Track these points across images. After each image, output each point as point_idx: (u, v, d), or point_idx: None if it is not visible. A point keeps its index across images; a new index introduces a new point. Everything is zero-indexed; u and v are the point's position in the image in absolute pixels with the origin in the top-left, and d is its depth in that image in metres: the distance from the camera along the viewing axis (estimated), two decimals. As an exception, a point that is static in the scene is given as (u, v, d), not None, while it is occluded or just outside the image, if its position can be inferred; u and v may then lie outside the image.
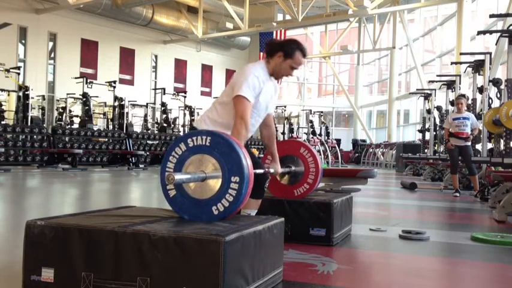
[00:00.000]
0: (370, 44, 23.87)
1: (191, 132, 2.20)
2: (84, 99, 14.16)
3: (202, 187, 2.09)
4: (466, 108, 7.48)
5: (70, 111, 16.34)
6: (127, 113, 14.91)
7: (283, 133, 18.68)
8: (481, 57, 8.50)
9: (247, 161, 2.06)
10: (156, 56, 22.35)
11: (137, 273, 1.77)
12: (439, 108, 11.97)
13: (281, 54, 2.61)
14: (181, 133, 16.80)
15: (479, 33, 7.87)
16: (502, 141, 6.94)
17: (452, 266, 2.91)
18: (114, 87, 14.72)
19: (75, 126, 14.94)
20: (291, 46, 2.63)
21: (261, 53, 21.37)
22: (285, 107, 20.50)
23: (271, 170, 2.83)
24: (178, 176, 1.95)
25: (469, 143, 7.18)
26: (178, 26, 21.48)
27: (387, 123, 23.69)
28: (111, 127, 15.07)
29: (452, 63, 13.12)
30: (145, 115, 17.49)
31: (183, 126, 17.14)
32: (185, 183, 2.08)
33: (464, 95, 7.81)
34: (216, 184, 2.06)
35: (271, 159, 2.93)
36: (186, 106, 16.88)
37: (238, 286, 1.79)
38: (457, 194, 7.08)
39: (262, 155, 3.35)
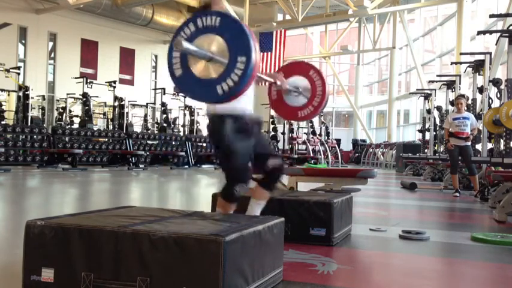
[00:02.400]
0: (370, 44, 23.87)
1: (200, 12, 2.19)
2: (84, 99, 14.17)
3: (208, 67, 2.08)
4: (465, 108, 7.48)
5: (70, 111, 16.35)
6: (127, 113, 14.92)
7: (283, 133, 18.67)
8: (481, 57, 8.50)
9: (255, 44, 2.05)
10: (156, 56, 22.35)
11: (137, 273, 1.77)
12: (439, 108, 11.98)
13: None
14: (181, 133, 16.81)
15: (479, 33, 7.88)
16: (502, 141, 6.95)
17: (452, 266, 2.90)
18: (114, 87, 14.72)
19: (75, 126, 14.95)
20: None
21: (261, 53, 21.35)
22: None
23: (278, 83, 2.83)
24: (186, 44, 1.95)
25: (469, 143, 7.18)
26: (178, 25, 21.45)
27: (387, 123, 23.69)
28: (111, 127, 15.08)
29: (452, 63, 13.12)
30: (145, 115, 17.49)
31: (183, 126, 17.14)
32: (191, 54, 2.07)
33: (464, 95, 7.81)
34: (222, 64, 2.05)
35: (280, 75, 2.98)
36: (186, 106, 16.88)
37: (238, 286, 1.79)
38: (457, 194, 7.08)
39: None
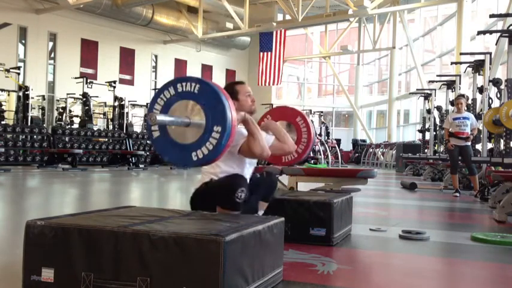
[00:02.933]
0: (370, 44, 23.86)
1: (181, 77, 2.25)
2: (84, 99, 14.16)
3: (185, 132, 2.13)
4: (465, 108, 7.48)
5: (70, 111, 16.34)
6: (127, 113, 14.91)
7: (283, 133, 18.71)
8: (481, 57, 8.50)
9: (231, 113, 2.09)
10: (156, 56, 22.34)
11: (137, 273, 1.77)
12: (439, 108, 11.97)
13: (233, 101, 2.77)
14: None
15: (479, 33, 7.88)
16: (502, 141, 6.95)
17: (452, 266, 2.91)
18: (114, 87, 14.71)
19: (75, 126, 14.94)
20: (230, 89, 2.72)
21: (261, 53, 21.37)
22: (285, 107, 20.45)
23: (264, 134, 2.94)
24: (160, 117, 2.02)
25: (469, 143, 7.18)
26: (178, 26, 21.47)
27: (387, 123, 23.68)
28: (111, 127, 15.07)
29: (452, 63, 13.12)
30: (146, 115, 17.47)
31: (183, 126, 17.10)
32: (168, 125, 2.14)
33: (464, 95, 7.81)
34: (198, 131, 2.10)
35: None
36: (186, 106, 16.85)
37: (238, 286, 1.79)
38: (457, 194, 7.08)
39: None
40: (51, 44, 18.79)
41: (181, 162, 2.18)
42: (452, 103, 10.25)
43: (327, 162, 16.77)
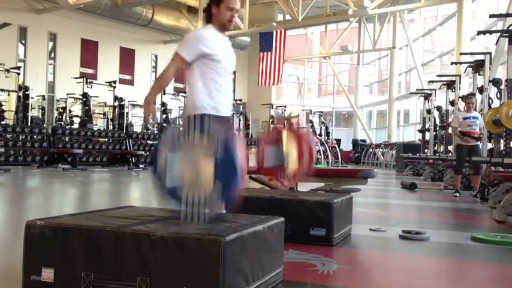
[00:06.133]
0: (370, 44, 23.86)
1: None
2: (84, 99, 14.16)
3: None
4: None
5: (70, 111, 16.33)
6: (127, 113, 14.91)
7: (283, 133, 18.69)
8: (481, 57, 8.49)
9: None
10: (156, 56, 22.33)
11: (137, 273, 1.77)
12: (439, 108, 11.97)
13: (213, 6, 2.72)
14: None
15: (479, 33, 7.87)
16: (502, 141, 6.94)
17: (452, 266, 2.90)
18: (114, 87, 14.71)
19: (75, 126, 14.93)
20: None
21: (261, 53, 21.37)
22: (285, 107, 20.48)
23: None
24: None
25: (479, 143, 7.18)
26: (178, 26, 21.46)
27: (387, 123, 23.68)
28: (111, 127, 15.07)
29: (452, 63, 13.12)
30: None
31: (183, 126, 17.10)
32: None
33: (474, 94, 7.78)
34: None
35: None
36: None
37: (238, 286, 1.79)
38: (457, 194, 7.07)
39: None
40: (51, 44, 18.79)
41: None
42: (452, 103, 10.25)
43: (327, 162, 16.78)
